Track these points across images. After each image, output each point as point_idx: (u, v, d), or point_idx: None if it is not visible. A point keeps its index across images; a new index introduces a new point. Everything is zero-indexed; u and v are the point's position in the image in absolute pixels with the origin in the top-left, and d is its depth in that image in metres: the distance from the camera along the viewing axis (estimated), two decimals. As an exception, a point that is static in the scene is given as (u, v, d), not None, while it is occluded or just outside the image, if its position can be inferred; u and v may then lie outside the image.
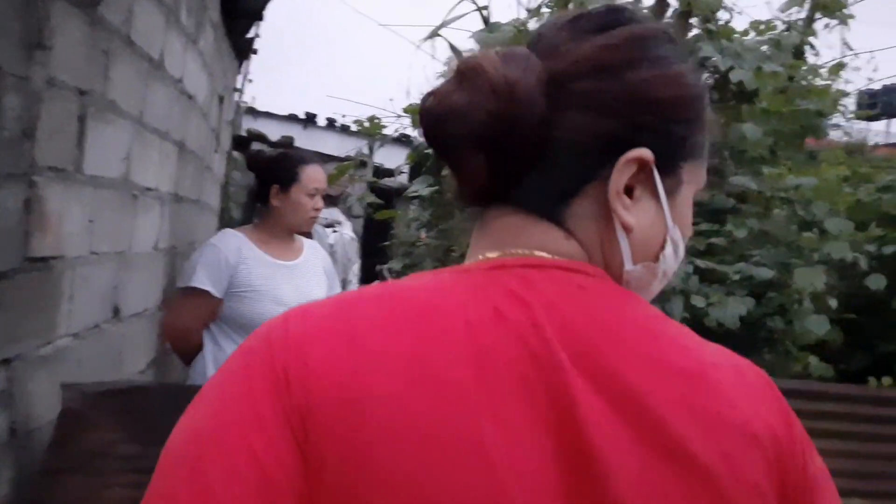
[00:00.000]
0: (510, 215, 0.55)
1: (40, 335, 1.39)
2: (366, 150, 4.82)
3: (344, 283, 4.37)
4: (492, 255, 0.55)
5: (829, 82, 3.58)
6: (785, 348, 2.64)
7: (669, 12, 3.14)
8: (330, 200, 4.40)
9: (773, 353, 2.63)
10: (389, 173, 5.54)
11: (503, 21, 3.15)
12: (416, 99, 3.98)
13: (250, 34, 4.17)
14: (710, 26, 3.08)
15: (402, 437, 0.44)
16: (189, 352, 2.14)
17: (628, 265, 0.55)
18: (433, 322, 0.48)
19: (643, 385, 0.48)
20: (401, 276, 2.03)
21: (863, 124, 5.99)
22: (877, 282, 2.68)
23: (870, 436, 2.31)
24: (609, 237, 0.54)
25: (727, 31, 3.17)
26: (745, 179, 2.80)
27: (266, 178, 2.20)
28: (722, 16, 3.21)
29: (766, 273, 2.49)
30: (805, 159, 3.32)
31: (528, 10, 3.39)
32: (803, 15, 3.58)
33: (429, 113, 0.54)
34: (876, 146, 5.98)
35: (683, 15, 3.06)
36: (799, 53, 3.45)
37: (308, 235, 2.48)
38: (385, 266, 4.97)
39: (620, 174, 0.53)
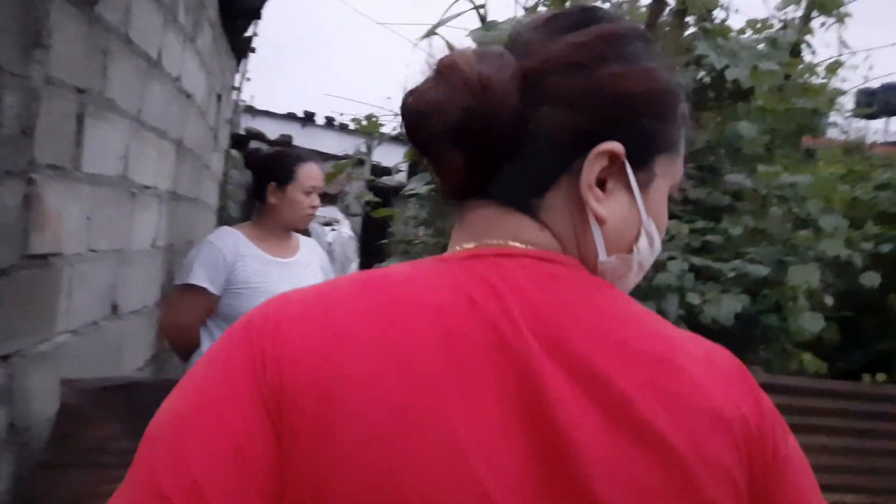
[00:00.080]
0: (487, 208, 0.57)
1: (39, 332, 1.40)
2: (364, 149, 4.83)
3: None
4: (468, 245, 0.56)
5: (825, 81, 3.59)
6: (780, 345, 2.66)
7: (667, 11, 3.16)
8: (328, 199, 4.41)
9: (769, 351, 2.64)
10: (387, 172, 5.55)
11: (500, 20, 3.16)
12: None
13: (248, 33, 4.18)
14: (707, 25, 3.09)
15: (370, 416, 0.46)
16: (187, 348, 2.15)
17: (602, 256, 0.56)
18: (405, 307, 0.50)
19: (613, 370, 0.49)
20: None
21: (861, 122, 6.00)
22: (871, 279, 2.70)
23: (864, 432, 2.33)
24: (583, 229, 0.56)
25: (723, 30, 3.18)
26: (740, 177, 2.82)
27: (263, 176, 2.21)
28: (718, 14, 3.23)
29: (761, 270, 2.51)
30: (802, 157, 3.34)
31: (525, 9, 3.40)
32: (800, 13, 3.59)
33: (408, 110, 0.56)
34: (874, 144, 5.99)
35: (679, 13, 3.07)
36: (796, 52, 3.47)
37: (306, 233, 2.49)
38: (383, 264, 4.98)
39: (591, 167, 0.54)
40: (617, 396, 0.48)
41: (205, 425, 0.46)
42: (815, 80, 3.58)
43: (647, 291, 2.42)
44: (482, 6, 3.37)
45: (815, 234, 2.66)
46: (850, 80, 5.36)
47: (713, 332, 2.35)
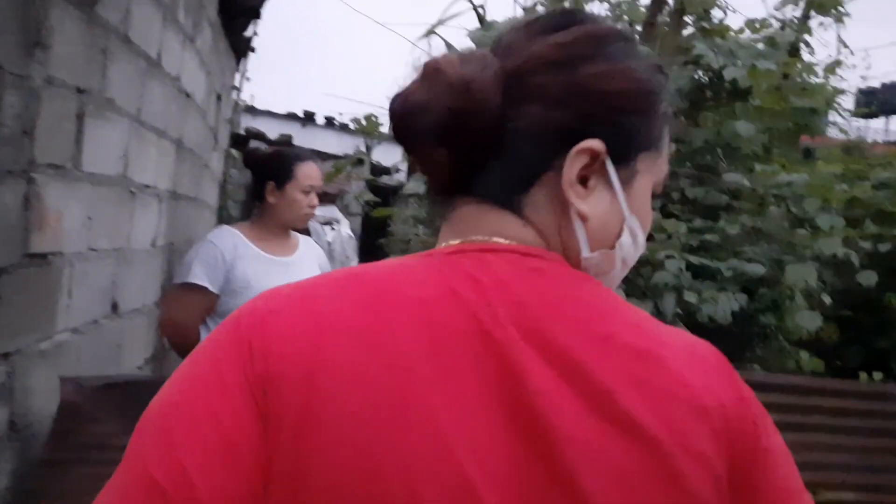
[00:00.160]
0: (472, 205, 0.58)
1: (40, 330, 1.41)
2: (363, 149, 4.84)
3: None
4: (454, 242, 0.58)
5: (823, 80, 3.60)
6: (778, 344, 2.67)
7: (665, 11, 3.17)
8: (328, 198, 4.42)
9: (766, 349, 2.65)
10: (387, 171, 5.56)
11: (499, 20, 3.17)
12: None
13: (248, 32, 4.18)
14: (705, 24, 3.10)
15: (352, 403, 0.47)
16: (187, 347, 2.15)
17: (585, 252, 0.57)
18: (388, 299, 0.51)
19: (592, 359, 0.50)
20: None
21: (862, 122, 6.01)
22: (868, 278, 2.71)
23: (861, 430, 2.33)
24: (566, 225, 0.57)
25: (722, 29, 3.19)
26: (738, 177, 2.83)
27: (262, 176, 2.23)
28: (717, 14, 3.24)
29: (758, 269, 2.51)
30: (800, 156, 3.34)
31: (524, 9, 3.41)
32: (798, 13, 3.59)
33: (394, 111, 0.58)
34: (874, 143, 5.99)
35: (678, 13, 3.08)
36: (794, 51, 3.47)
37: (305, 232, 2.50)
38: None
39: (572, 164, 0.56)
40: (597, 385, 0.49)
41: (193, 414, 0.48)
42: (814, 80, 3.58)
43: (644, 290, 2.43)
44: (481, 6, 3.38)
45: (813, 232, 2.67)
46: (850, 80, 5.37)
47: (710, 330, 2.36)
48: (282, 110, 8.44)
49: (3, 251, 1.23)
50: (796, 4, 3.59)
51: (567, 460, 0.47)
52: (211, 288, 2.07)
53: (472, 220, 0.58)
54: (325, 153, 6.20)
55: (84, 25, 1.48)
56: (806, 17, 3.66)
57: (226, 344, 0.51)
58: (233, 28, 3.69)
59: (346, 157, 5.16)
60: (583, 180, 0.57)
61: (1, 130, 1.17)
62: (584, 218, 0.56)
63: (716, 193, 2.87)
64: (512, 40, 0.59)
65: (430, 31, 3.29)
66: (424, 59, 0.58)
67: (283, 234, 2.27)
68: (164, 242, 2.43)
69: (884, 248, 2.92)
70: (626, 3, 3.44)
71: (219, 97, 3.69)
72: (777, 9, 3.64)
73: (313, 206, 2.26)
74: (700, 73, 3.02)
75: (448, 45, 3.23)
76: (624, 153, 0.58)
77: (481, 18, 3.37)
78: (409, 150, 0.59)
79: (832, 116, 3.86)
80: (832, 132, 4.37)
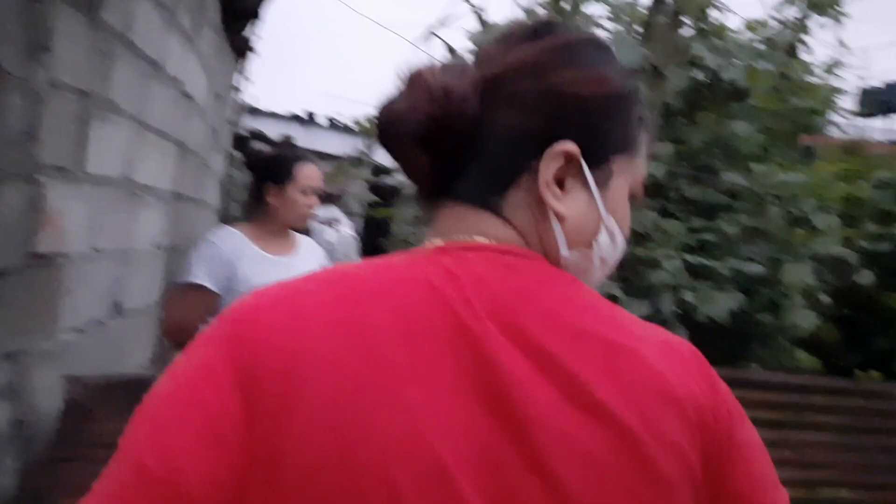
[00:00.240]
0: (454, 206, 0.61)
1: (44, 330, 1.43)
2: (365, 149, 4.85)
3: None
4: (437, 241, 0.60)
5: (821, 80, 3.60)
6: (776, 343, 2.68)
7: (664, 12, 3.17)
8: (329, 199, 4.43)
9: (764, 348, 2.66)
10: (387, 171, 5.57)
11: (500, 21, 3.19)
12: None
13: (249, 34, 4.20)
14: (703, 25, 3.11)
15: (328, 390, 0.49)
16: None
17: (564, 251, 0.59)
18: (368, 293, 0.54)
19: (567, 352, 0.52)
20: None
21: (862, 121, 6.00)
22: (865, 277, 2.72)
23: (857, 428, 2.35)
24: (544, 225, 0.59)
25: (720, 30, 3.19)
26: (736, 176, 2.84)
27: (262, 176, 2.24)
28: (715, 15, 3.24)
29: (756, 268, 2.52)
30: (799, 156, 3.35)
31: (525, 11, 3.42)
32: (797, 13, 3.60)
33: (380, 118, 0.61)
34: (876, 143, 5.98)
35: (676, 13, 3.09)
36: (793, 51, 3.48)
37: (306, 233, 2.51)
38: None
39: (548, 166, 0.58)
40: (571, 376, 0.51)
41: (183, 403, 0.50)
42: (813, 80, 3.59)
43: (642, 289, 2.44)
44: (481, 8, 3.39)
45: (810, 232, 2.68)
46: (849, 80, 5.37)
47: (709, 329, 2.38)
48: (284, 111, 8.48)
49: (7, 252, 1.24)
50: (792, 3, 3.59)
51: (541, 446, 0.49)
52: (212, 288, 2.09)
53: (455, 221, 0.60)
54: (326, 154, 6.22)
55: (87, 29, 1.50)
56: (804, 17, 3.66)
57: (216, 338, 0.53)
58: (234, 29, 3.70)
59: (347, 157, 5.18)
60: (560, 182, 0.59)
61: (5, 133, 1.19)
62: (561, 218, 0.58)
63: (714, 193, 2.89)
64: (490, 49, 0.62)
65: (430, 34, 3.30)
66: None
67: (284, 235, 2.28)
68: (167, 243, 2.45)
69: (883, 247, 2.93)
70: (625, 3, 3.45)
71: (220, 98, 3.71)
72: (776, 9, 3.65)
73: (313, 207, 2.27)
74: (699, 73, 3.03)
75: (449, 47, 3.24)
76: (599, 156, 0.60)
77: (482, 20, 3.38)
78: (393, 155, 0.62)
79: (832, 116, 3.87)
80: (833, 132, 4.37)
